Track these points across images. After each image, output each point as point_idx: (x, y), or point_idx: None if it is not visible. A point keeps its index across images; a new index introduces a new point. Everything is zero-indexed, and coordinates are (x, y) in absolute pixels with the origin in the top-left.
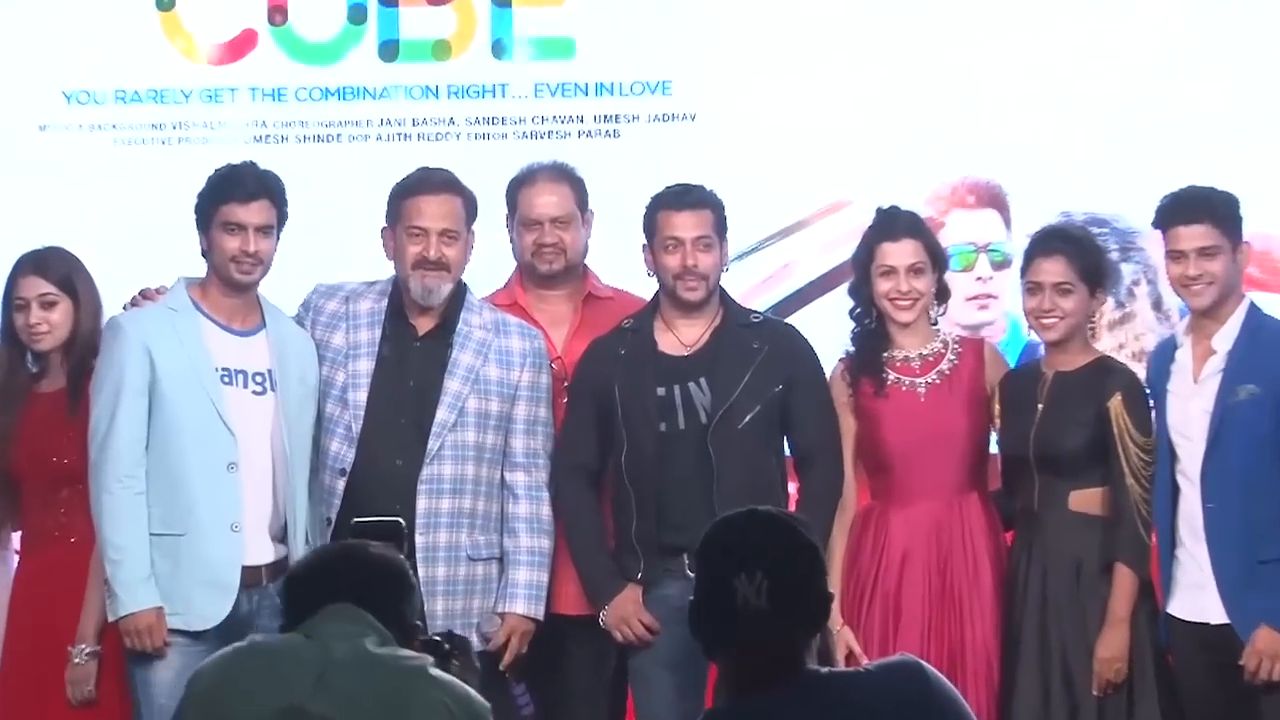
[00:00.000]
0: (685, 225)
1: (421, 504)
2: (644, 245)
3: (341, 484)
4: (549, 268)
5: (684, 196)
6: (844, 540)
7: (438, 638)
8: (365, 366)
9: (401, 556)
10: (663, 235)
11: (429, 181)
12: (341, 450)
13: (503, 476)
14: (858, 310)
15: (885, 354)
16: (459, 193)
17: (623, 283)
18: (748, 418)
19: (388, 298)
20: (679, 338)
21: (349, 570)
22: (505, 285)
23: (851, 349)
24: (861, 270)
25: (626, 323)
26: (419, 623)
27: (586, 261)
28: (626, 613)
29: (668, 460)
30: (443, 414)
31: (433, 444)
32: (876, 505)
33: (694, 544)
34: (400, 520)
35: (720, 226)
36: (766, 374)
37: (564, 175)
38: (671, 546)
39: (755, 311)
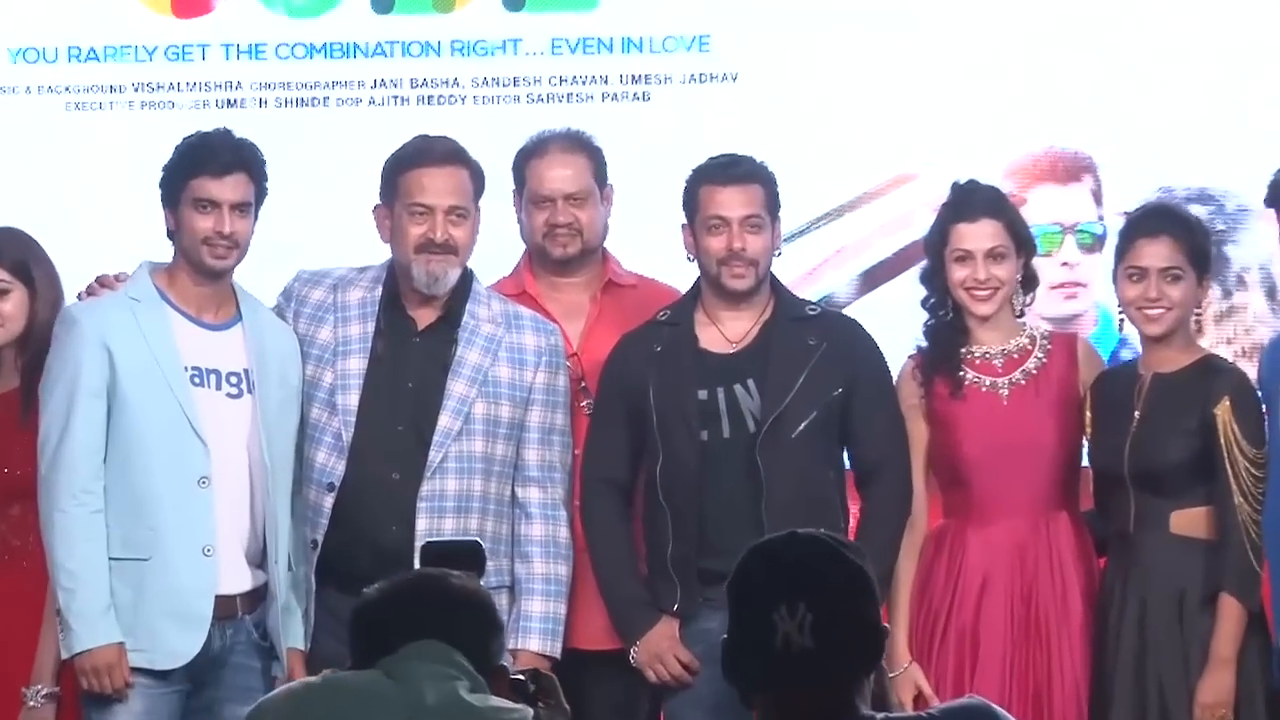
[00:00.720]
0: (731, 203)
1: (421, 524)
2: (683, 225)
3: (329, 501)
4: (563, 251)
5: (730, 169)
6: (913, 564)
7: (522, 676)
8: (357, 365)
9: (484, 588)
10: (705, 214)
11: (432, 152)
12: (329, 462)
13: (514, 493)
14: (931, 300)
15: (963, 350)
16: (466, 164)
17: (649, 270)
18: (802, 425)
19: (382, 286)
20: (723, 332)
21: (432, 604)
22: (513, 272)
23: (923, 344)
24: (935, 255)
25: (662, 315)
26: (505, 664)
27: (606, 244)
28: (661, 649)
29: (710, 474)
30: (446, 420)
31: (434, 455)
32: (951, 524)
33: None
34: (479, 541)
35: (772, 204)
36: (824, 374)
37: (579, 145)
38: (713, 573)
39: (811, 302)
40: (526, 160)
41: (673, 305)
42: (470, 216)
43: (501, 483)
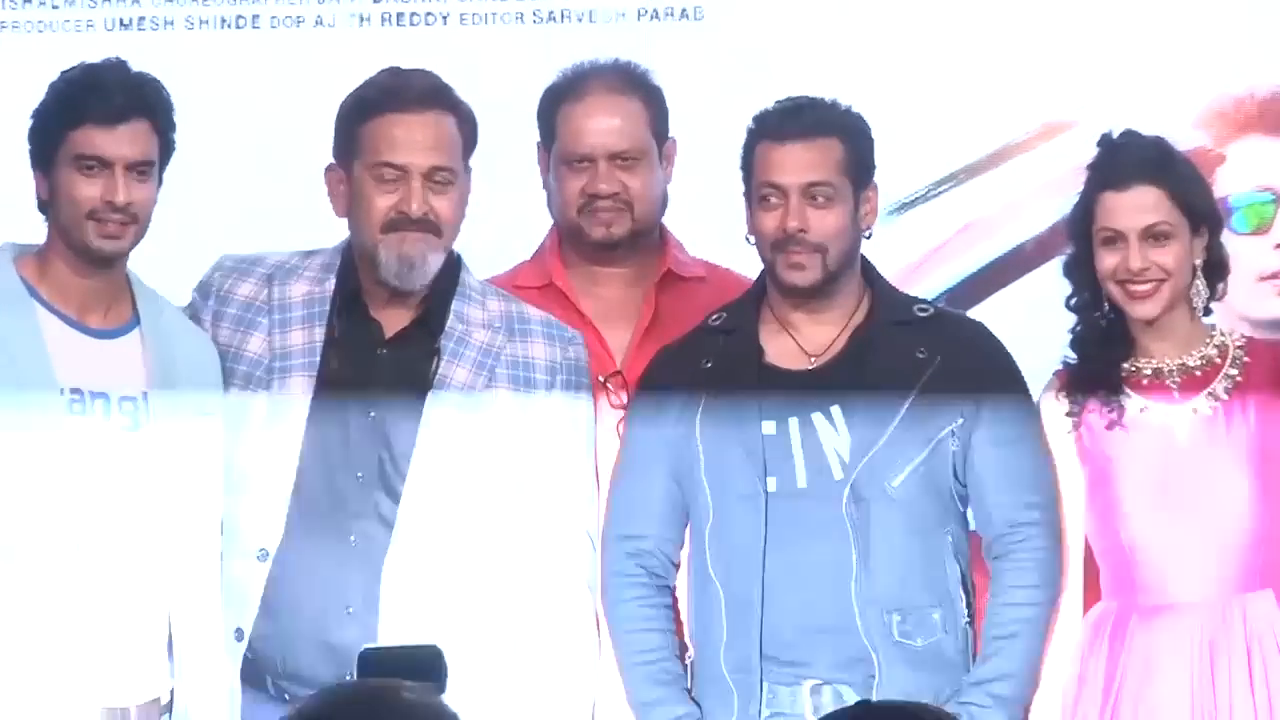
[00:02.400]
0: (791, 165)
1: (389, 608)
2: (745, 194)
3: (260, 575)
4: (606, 232)
5: (792, 119)
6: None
7: None
8: (300, 387)
9: (448, 705)
10: (759, 180)
11: (404, 91)
12: (260, 522)
13: None
14: (1078, 298)
15: (1125, 367)
16: (452, 108)
17: (719, 254)
18: (908, 469)
19: (335, 276)
20: (799, 342)
21: None
22: (534, 257)
23: (1071, 358)
24: (1079, 235)
25: (714, 318)
26: None
27: (666, 220)
28: None
29: (779, 538)
30: (428, 437)
31: (407, 513)
32: (1110, 609)
33: (822, 671)
34: (439, 648)
35: (856, 165)
36: (938, 400)
37: (631, 83)
38: (784, 674)
39: (921, 300)
40: (557, 105)
41: (729, 306)
42: (458, 181)
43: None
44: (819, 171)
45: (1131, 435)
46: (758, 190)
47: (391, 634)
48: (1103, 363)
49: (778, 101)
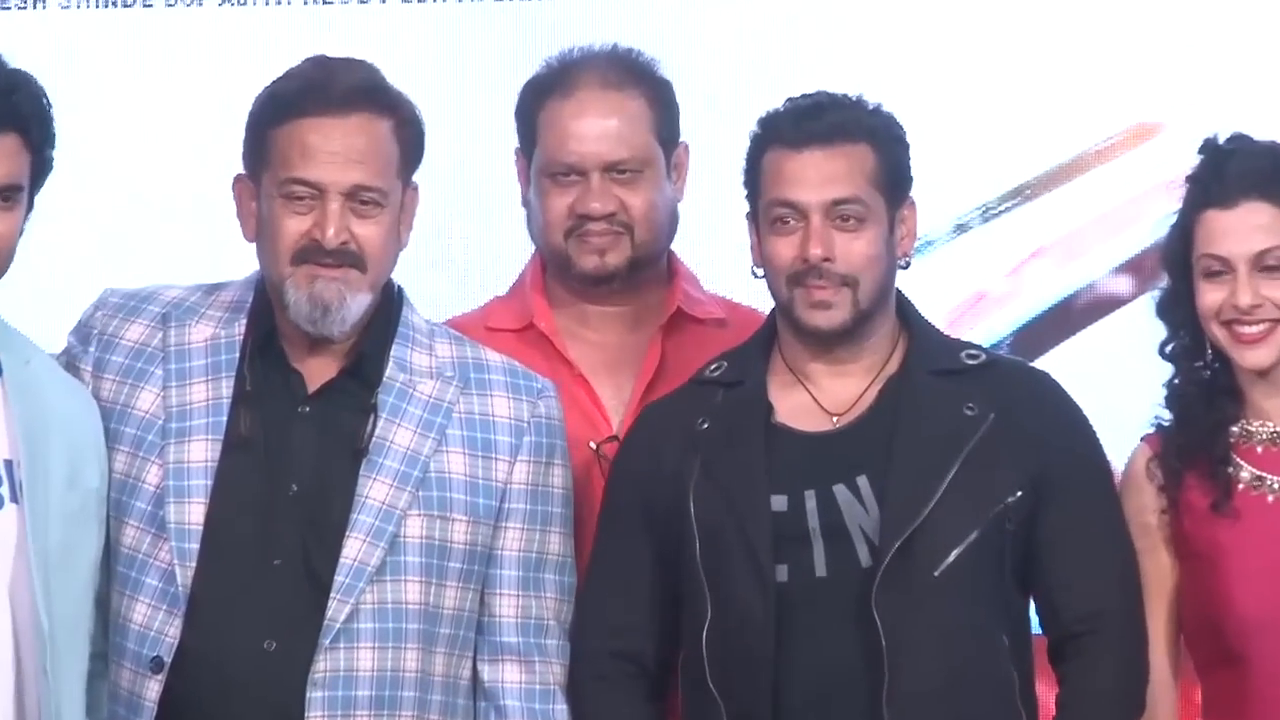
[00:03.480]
0: (811, 178)
1: (320, 666)
2: (747, 216)
3: (155, 688)
4: (600, 262)
5: (811, 120)
6: None
7: None
8: (202, 454)
9: None
10: (770, 198)
11: (326, 88)
12: (155, 622)
13: (476, 672)
14: (1175, 344)
15: (1233, 431)
16: (387, 110)
17: (735, 286)
18: (954, 554)
19: (246, 316)
20: (817, 398)
21: None
22: (512, 291)
23: (1167, 418)
24: (1176, 265)
25: (712, 369)
26: None
27: (676, 246)
28: None
29: (792, 639)
30: (355, 548)
31: (336, 608)
32: None
33: None
34: None
35: (889, 176)
36: (991, 467)
37: (630, 76)
38: None
39: (971, 345)
40: (540, 102)
41: (731, 353)
42: (390, 203)
43: (451, 655)
44: (846, 185)
45: (1242, 519)
46: (768, 210)
47: None
48: (1206, 425)
49: (790, 100)
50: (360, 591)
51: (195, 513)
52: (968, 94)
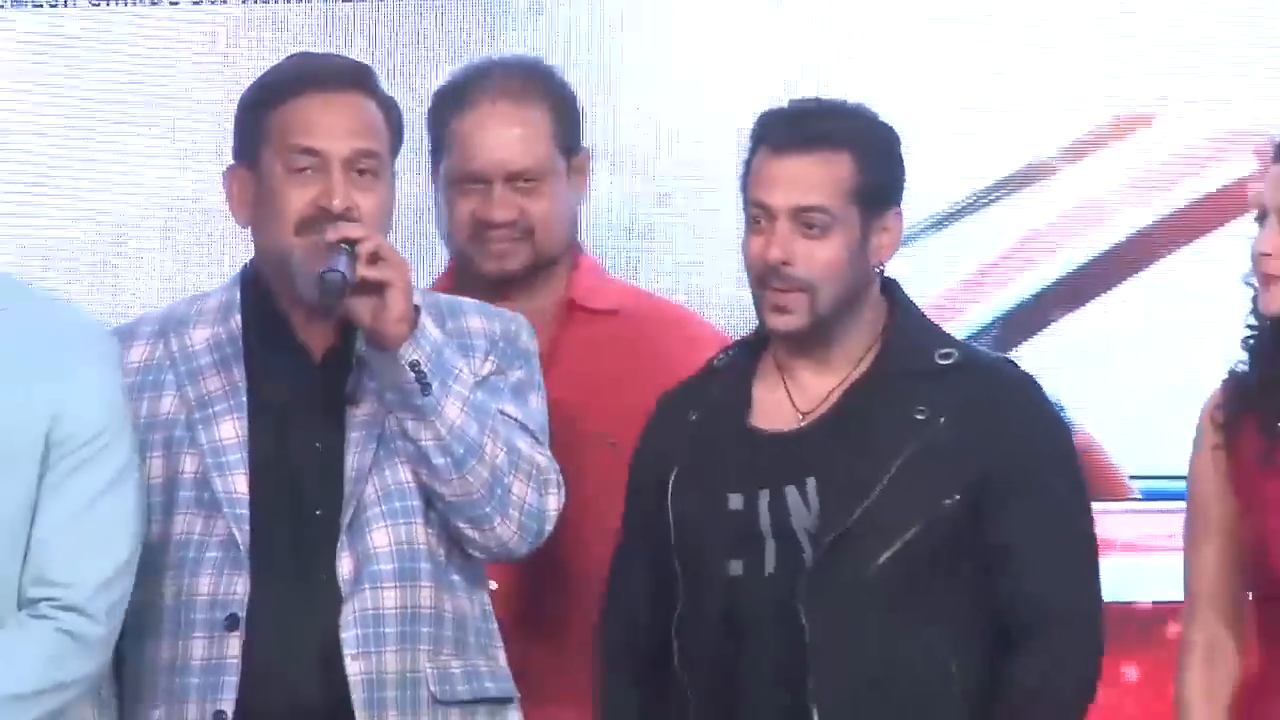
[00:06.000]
0: (783, 182)
1: (352, 606)
2: (743, 206)
3: (235, 644)
4: (499, 266)
5: (796, 125)
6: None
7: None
8: (232, 431)
9: None
10: (749, 197)
11: (322, 71)
12: (222, 586)
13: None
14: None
15: None
16: (372, 93)
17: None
18: (883, 557)
19: (239, 312)
20: (792, 397)
21: None
22: (435, 282)
23: (1242, 367)
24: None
25: (719, 358)
26: None
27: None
28: None
29: (744, 634)
30: (353, 458)
31: (352, 488)
32: (1265, 666)
33: None
34: None
35: (867, 187)
36: (937, 466)
37: (531, 84)
38: None
39: (950, 345)
40: (448, 112)
41: (738, 345)
42: (384, 176)
43: (444, 537)
44: (814, 193)
45: None
46: (748, 209)
47: (355, 630)
48: (1269, 373)
49: (791, 101)
50: (362, 484)
51: (240, 483)
52: (959, 86)
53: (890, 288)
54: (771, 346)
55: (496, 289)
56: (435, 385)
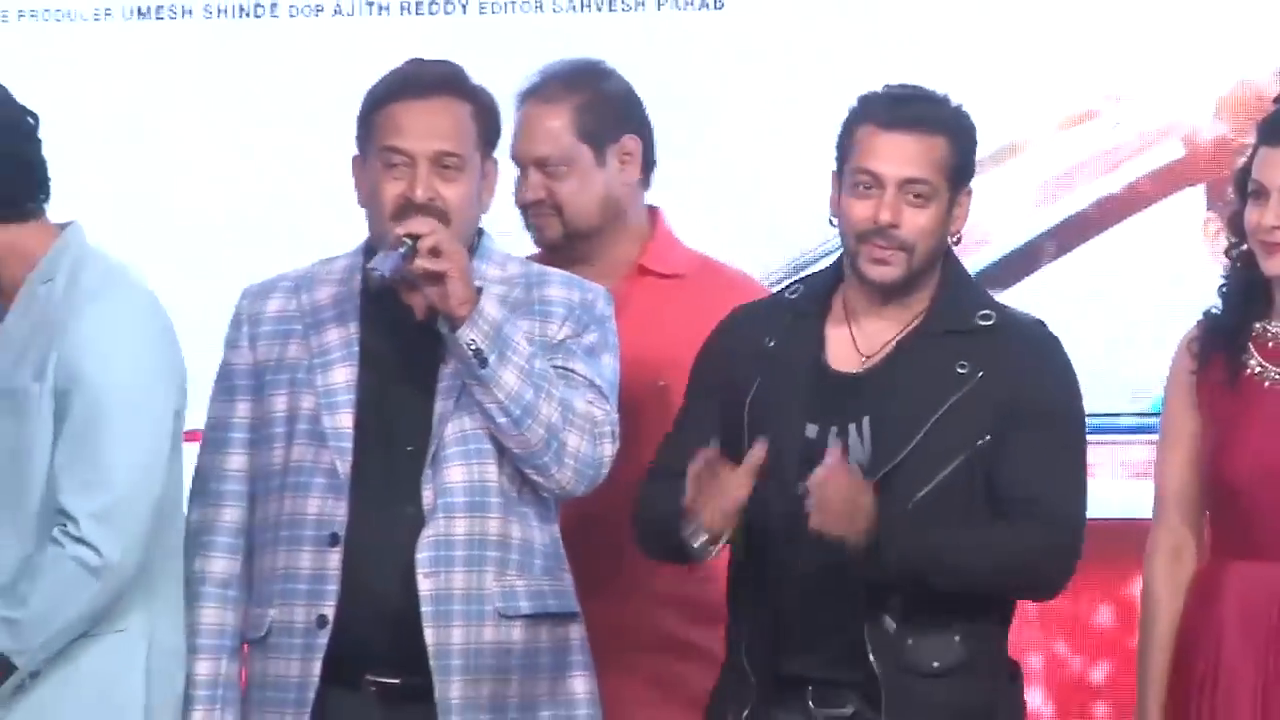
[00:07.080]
0: (895, 156)
1: (428, 532)
2: (833, 173)
3: (335, 559)
4: (538, 237)
5: (903, 108)
6: (1174, 612)
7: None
8: (344, 376)
9: None
10: (857, 164)
11: (415, 79)
12: (327, 508)
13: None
14: (1234, 251)
15: (1256, 326)
16: (466, 96)
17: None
18: (933, 483)
19: (359, 274)
20: (856, 340)
21: None
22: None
23: (1218, 307)
24: (1241, 189)
25: (793, 290)
26: None
27: (655, 203)
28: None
29: (800, 546)
30: (440, 405)
31: (433, 442)
32: (1213, 562)
33: (827, 676)
34: None
35: (957, 168)
36: (972, 413)
37: (564, 89)
38: (791, 678)
39: (990, 305)
40: (519, 107)
41: (810, 280)
42: (467, 168)
43: (516, 476)
44: (921, 168)
45: (1244, 396)
46: (853, 174)
47: (429, 550)
48: (1236, 316)
49: (887, 86)
50: (444, 429)
51: (345, 420)
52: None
53: (948, 254)
54: (842, 290)
55: (569, 251)
56: (492, 359)
